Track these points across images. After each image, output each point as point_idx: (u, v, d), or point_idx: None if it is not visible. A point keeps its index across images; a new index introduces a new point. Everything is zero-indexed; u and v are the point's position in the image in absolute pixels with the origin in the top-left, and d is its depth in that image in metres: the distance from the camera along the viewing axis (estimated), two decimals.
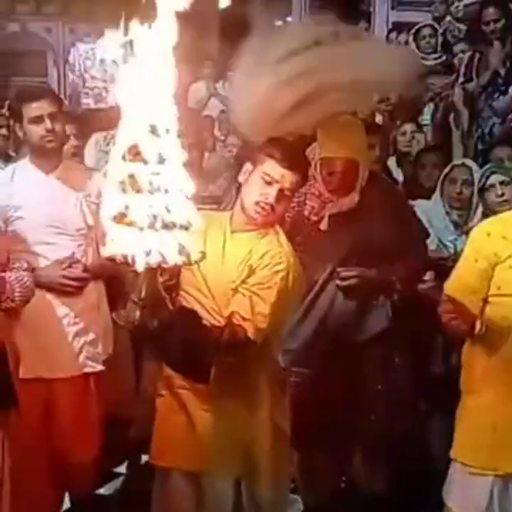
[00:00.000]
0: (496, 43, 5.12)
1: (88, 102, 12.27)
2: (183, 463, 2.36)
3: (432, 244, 3.47)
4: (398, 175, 4.55)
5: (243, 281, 2.30)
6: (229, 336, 2.20)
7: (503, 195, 3.34)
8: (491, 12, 5.09)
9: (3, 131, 4.04)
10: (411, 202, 3.59)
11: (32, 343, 2.86)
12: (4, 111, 5.02)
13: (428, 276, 3.44)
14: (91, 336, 3.08)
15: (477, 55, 5.34)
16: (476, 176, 3.47)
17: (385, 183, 3.26)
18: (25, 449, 2.76)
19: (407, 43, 5.99)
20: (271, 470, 2.39)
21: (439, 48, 5.80)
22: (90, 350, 3.07)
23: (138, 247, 1.63)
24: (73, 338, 3.04)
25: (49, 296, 2.99)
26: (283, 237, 2.42)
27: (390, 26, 7.17)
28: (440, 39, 5.83)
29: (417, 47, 5.79)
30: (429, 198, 3.68)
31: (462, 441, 2.53)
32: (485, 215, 3.25)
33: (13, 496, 2.62)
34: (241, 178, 2.40)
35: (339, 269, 3.07)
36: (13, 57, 11.94)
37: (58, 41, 12.30)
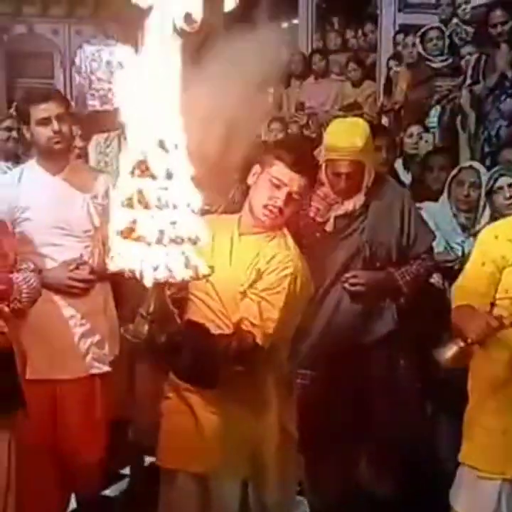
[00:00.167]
0: (503, 46, 5.12)
1: (94, 103, 12.29)
2: (190, 465, 2.35)
3: (439, 246, 3.47)
4: (405, 177, 4.54)
5: (251, 285, 2.29)
6: (237, 345, 2.18)
7: (511, 197, 3.34)
8: (498, 14, 5.09)
9: (14, 133, 4.04)
10: (418, 204, 3.58)
11: (39, 344, 2.86)
12: (12, 111, 5.03)
13: (435, 278, 3.44)
14: (97, 337, 3.08)
15: (484, 58, 5.35)
16: (484, 178, 3.46)
17: (391, 184, 3.26)
18: (31, 450, 2.76)
19: (414, 45, 5.98)
20: (277, 472, 2.39)
21: (446, 51, 5.78)
22: (97, 351, 3.08)
23: (146, 262, 1.63)
24: (80, 339, 3.04)
25: (56, 298, 3.00)
26: (290, 240, 2.41)
27: (397, 28, 7.15)
28: (447, 41, 5.81)
29: (424, 49, 5.79)
30: (436, 200, 3.68)
31: (470, 445, 2.52)
32: (493, 218, 3.25)
33: (20, 496, 2.63)
34: (249, 181, 2.39)
35: (347, 275, 3.07)
36: (19, 59, 11.96)
37: (65, 43, 12.31)
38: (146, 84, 1.64)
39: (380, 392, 3.11)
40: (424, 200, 3.73)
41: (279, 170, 2.30)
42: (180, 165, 1.67)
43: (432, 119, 5.46)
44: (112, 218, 1.69)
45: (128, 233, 1.64)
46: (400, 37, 6.70)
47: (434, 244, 3.36)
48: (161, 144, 1.65)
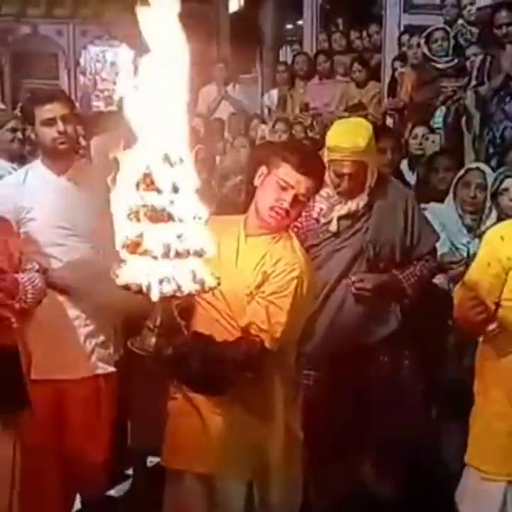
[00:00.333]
0: (509, 47, 5.11)
1: (99, 104, 12.32)
2: (196, 465, 2.35)
3: (444, 247, 3.46)
4: (410, 178, 4.54)
5: (257, 287, 2.28)
6: (245, 352, 2.18)
7: None
8: (503, 15, 5.08)
9: (19, 134, 4.05)
10: (424, 205, 3.58)
11: (44, 345, 2.85)
12: (17, 112, 5.03)
13: (441, 279, 3.44)
14: (102, 338, 3.08)
15: (489, 59, 5.34)
16: (490, 180, 3.46)
17: (395, 184, 3.26)
18: (36, 450, 2.76)
19: (418, 45, 5.97)
20: (283, 473, 2.39)
21: (451, 51, 5.78)
22: (101, 351, 3.08)
23: (152, 275, 1.63)
24: (85, 339, 3.05)
25: (61, 298, 3.00)
26: (296, 242, 2.40)
27: (402, 29, 7.14)
28: (452, 42, 5.80)
29: (429, 50, 5.78)
30: (441, 200, 3.67)
31: (476, 447, 2.51)
32: (500, 219, 3.24)
33: (25, 496, 2.63)
34: (256, 182, 2.38)
35: (354, 279, 3.07)
36: (24, 60, 11.99)
37: (69, 44, 12.34)
38: (152, 96, 1.63)
39: (384, 393, 3.11)
40: (429, 200, 3.73)
41: (286, 172, 2.29)
42: (186, 178, 1.66)
43: (437, 120, 5.46)
44: (116, 232, 1.68)
45: (134, 247, 1.63)
46: (405, 38, 6.69)
47: (439, 245, 3.36)
48: (166, 158, 1.64)
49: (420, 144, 4.88)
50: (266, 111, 7.57)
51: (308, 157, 2.38)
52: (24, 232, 2.98)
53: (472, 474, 2.50)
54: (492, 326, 2.42)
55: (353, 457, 3.23)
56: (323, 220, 3.11)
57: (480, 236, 3.28)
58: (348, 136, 2.98)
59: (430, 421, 3.51)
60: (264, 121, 6.84)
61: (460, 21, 6.25)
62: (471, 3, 6.21)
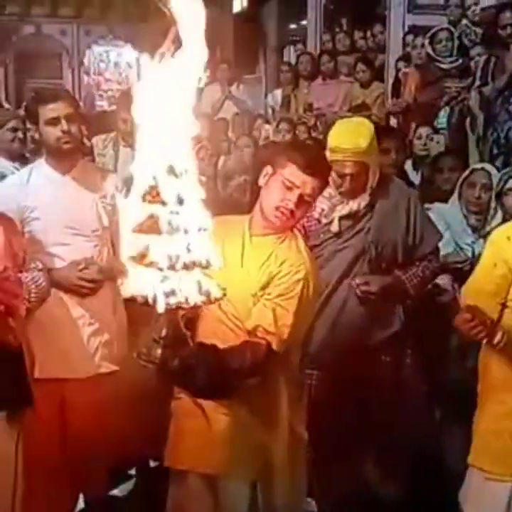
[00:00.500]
0: None
1: (102, 104, 12.34)
2: (200, 466, 2.34)
3: (449, 247, 3.46)
4: (414, 178, 4.53)
5: (263, 288, 2.27)
6: (250, 359, 2.17)
7: None
8: (507, 16, 5.07)
9: (20, 134, 4.05)
10: (428, 205, 3.57)
11: (47, 344, 2.86)
12: (20, 111, 5.03)
13: (445, 279, 3.43)
14: (106, 337, 3.08)
15: (493, 59, 5.34)
16: (495, 180, 3.45)
17: (397, 184, 3.25)
18: (40, 449, 2.76)
19: (423, 46, 5.96)
20: (287, 473, 2.38)
21: (455, 52, 5.76)
22: (105, 350, 3.08)
23: (158, 287, 1.63)
24: (88, 338, 3.05)
25: (65, 297, 3.00)
26: (301, 242, 2.39)
27: (406, 29, 7.14)
28: (456, 43, 5.79)
29: (434, 50, 5.77)
30: (446, 201, 3.67)
31: (480, 447, 2.50)
32: (505, 220, 3.24)
33: (28, 496, 2.63)
34: (260, 182, 2.38)
35: (358, 282, 3.07)
36: (28, 59, 12.01)
37: (73, 43, 12.36)
38: (158, 108, 1.63)
39: (386, 393, 3.10)
40: (434, 201, 3.72)
41: (292, 172, 2.28)
42: (191, 189, 1.66)
43: (441, 120, 5.45)
44: (122, 243, 1.68)
45: (140, 259, 1.64)
46: (409, 38, 6.69)
47: (443, 245, 3.35)
48: (171, 170, 1.64)
49: (425, 144, 4.87)
50: (270, 111, 7.58)
51: (314, 158, 2.37)
52: (28, 231, 2.98)
53: (476, 475, 2.49)
54: (498, 337, 2.39)
55: (355, 457, 3.22)
56: (324, 221, 3.11)
57: (485, 236, 3.28)
58: (349, 137, 2.98)
59: (433, 421, 3.50)
60: (267, 122, 6.85)
61: (464, 21, 6.24)
62: (475, 4, 6.20)
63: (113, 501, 3.45)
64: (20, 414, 2.58)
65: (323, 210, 3.09)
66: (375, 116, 6.24)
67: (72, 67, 12.42)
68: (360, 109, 6.30)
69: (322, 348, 3.04)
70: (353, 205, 3.08)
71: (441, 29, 5.87)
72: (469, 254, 3.45)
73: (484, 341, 2.50)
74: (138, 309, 1.67)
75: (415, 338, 3.34)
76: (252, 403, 2.29)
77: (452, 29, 5.94)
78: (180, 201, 1.63)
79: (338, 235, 3.11)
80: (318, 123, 6.58)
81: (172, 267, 1.61)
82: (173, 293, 1.63)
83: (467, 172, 3.59)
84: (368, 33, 7.67)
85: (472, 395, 2.59)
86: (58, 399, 2.99)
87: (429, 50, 5.80)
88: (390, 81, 7.04)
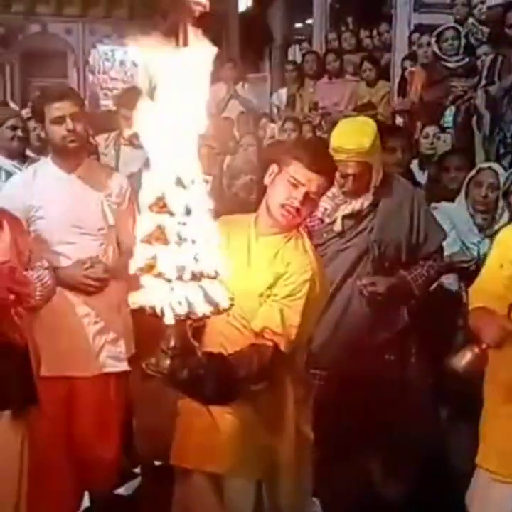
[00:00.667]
0: None
1: (107, 103, 12.32)
2: (206, 465, 2.34)
3: (455, 246, 3.45)
4: (421, 177, 4.52)
5: (269, 287, 2.27)
6: (258, 364, 2.16)
7: None
8: None
9: (19, 132, 4.06)
10: (435, 204, 3.56)
11: (53, 342, 2.86)
12: (17, 109, 5.03)
13: (450, 279, 3.43)
14: (112, 335, 3.09)
15: (500, 58, 5.32)
16: (502, 179, 3.43)
17: (401, 183, 3.25)
18: (46, 447, 2.77)
19: (429, 44, 5.94)
20: (292, 473, 2.38)
21: (461, 51, 5.75)
22: (111, 349, 3.08)
23: (166, 298, 1.63)
24: (94, 337, 3.05)
25: (70, 296, 3.00)
26: (307, 242, 2.39)
27: (412, 28, 7.12)
28: (463, 41, 5.77)
29: (440, 49, 5.75)
30: (452, 200, 3.66)
31: (487, 449, 2.49)
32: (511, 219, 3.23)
33: (34, 493, 2.63)
34: (266, 180, 2.37)
35: (365, 282, 3.06)
36: (33, 58, 12.01)
37: (78, 42, 12.35)
38: (166, 120, 1.62)
39: (391, 392, 3.10)
40: (440, 200, 3.72)
41: (297, 170, 2.28)
42: (198, 200, 1.66)
43: (448, 119, 5.43)
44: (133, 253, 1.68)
45: (148, 270, 1.63)
46: (416, 37, 6.67)
47: (450, 244, 3.35)
48: (179, 181, 1.64)
49: (431, 143, 4.86)
50: (275, 110, 7.57)
51: (319, 155, 2.37)
52: (34, 230, 2.98)
53: (483, 476, 2.48)
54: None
55: (360, 457, 3.22)
56: (327, 220, 3.11)
57: (491, 236, 3.27)
58: (352, 137, 2.97)
59: (438, 421, 3.49)
60: (273, 120, 6.83)
61: (471, 20, 6.21)
62: (482, 2, 6.17)
63: (118, 500, 3.45)
64: (26, 412, 2.59)
65: (326, 209, 3.09)
66: (381, 115, 6.24)
67: (77, 66, 12.41)
68: (365, 108, 6.28)
69: (326, 347, 3.04)
70: (356, 204, 3.08)
71: (448, 28, 5.85)
72: (475, 254, 3.45)
73: None
74: (146, 319, 1.67)
75: (420, 337, 3.33)
76: (258, 403, 2.29)
77: (459, 28, 5.92)
78: (188, 212, 1.63)
79: (341, 234, 3.11)
80: (323, 122, 6.57)
81: (180, 278, 1.61)
82: (181, 304, 1.62)
83: (474, 171, 3.58)
84: (374, 32, 7.66)
85: (478, 395, 2.58)
86: (64, 397, 3.00)
87: (436, 48, 5.78)
88: (396, 80, 7.02)
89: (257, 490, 2.36)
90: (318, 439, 2.51)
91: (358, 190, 3.05)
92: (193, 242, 1.63)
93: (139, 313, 1.67)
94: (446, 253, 3.35)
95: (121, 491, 3.55)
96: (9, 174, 3.72)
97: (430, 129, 4.94)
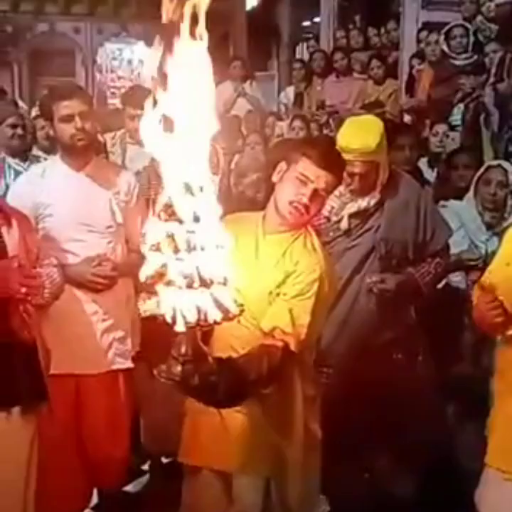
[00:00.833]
0: None
1: (115, 101, 12.35)
2: (214, 462, 2.34)
3: (463, 244, 3.45)
4: (430, 175, 4.51)
5: (278, 286, 2.27)
6: (268, 366, 2.14)
7: None
8: None
9: (19, 130, 4.06)
10: (443, 202, 3.56)
11: (61, 339, 2.87)
12: (18, 109, 5.03)
13: (458, 277, 3.42)
14: (120, 333, 3.10)
15: (509, 56, 5.30)
16: (511, 177, 3.43)
17: (407, 181, 3.24)
18: (55, 444, 2.78)
19: (437, 42, 5.93)
20: (301, 471, 2.37)
21: (470, 48, 5.73)
22: (119, 346, 3.09)
23: (177, 306, 1.63)
24: (102, 334, 3.06)
25: (79, 293, 3.01)
26: (316, 240, 2.38)
27: (420, 26, 7.11)
28: (471, 39, 5.76)
29: (448, 46, 5.74)
30: (461, 198, 3.65)
31: (496, 447, 2.47)
32: None
33: (43, 491, 2.64)
34: (274, 178, 2.37)
35: (375, 279, 3.06)
36: (41, 57, 12.05)
37: (86, 41, 12.39)
38: (175, 125, 1.61)
39: (398, 390, 3.09)
40: (449, 198, 3.71)
41: (306, 166, 2.27)
42: (207, 207, 1.65)
43: (456, 117, 5.42)
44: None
45: (158, 278, 1.63)
46: (424, 34, 6.66)
47: (458, 242, 3.35)
48: (187, 188, 1.63)
49: (441, 141, 4.85)
50: (282, 108, 7.56)
51: (328, 152, 2.36)
52: (42, 228, 2.99)
53: (493, 475, 2.46)
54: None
55: (368, 455, 3.22)
56: (334, 218, 3.11)
57: (499, 234, 3.26)
58: (358, 137, 2.97)
59: (446, 419, 3.49)
60: (280, 119, 6.83)
61: (479, 18, 6.19)
62: (490, 0, 6.16)
63: (126, 497, 3.46)
64: (35, 410, 2.59)
65: (333, 207, 3.09)
66: (389, 113, 6.22)
67: (85, 64, 12.45)
68: (373, 107, 6.26)
69: (333, 345, 3.04)
70: (363, 202, 3.08)
71: (456, 25, 5.84)
72: (483, 252, 3.44)
73: (499, 338, 2.48)
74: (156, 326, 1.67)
75: (427, 335, 3.33)
76: (267, 401, 2.28)
77: (467, 25, 5.90)
78: (197, 219, 1.62)
79: (347, 232, 3.11)
80: (330, 120, 6.56)
81: (190, 286, 1.61)
82: (191, 311, 1.62)
83: (483, 169, 3.57)
84: (382, 30, 7.65)
85: (486, 393, 2.57)
86: (73, 394, 3.01)
87: (444, 46, 5.77)
88: (404, 78, 7.01)
89: (266, 487, 2.36)
90: (325, 436, 2.51)
91: (364, 189, 3.05)
92: (203, 249, 1.63)
93: (149, 320, 1.67)
94: (454, 251, 3.35)
95: (129, 488, 3.56)
96: (17, 173, 3.73)
97: (440, 127, 4.93)
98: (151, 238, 1.64)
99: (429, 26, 6.80)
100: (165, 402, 2.82)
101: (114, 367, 3.07)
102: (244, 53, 9.39)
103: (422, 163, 4.57)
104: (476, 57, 5.74)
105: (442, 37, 5.79)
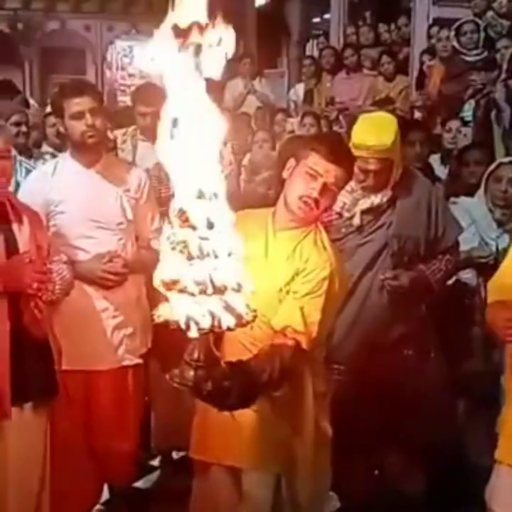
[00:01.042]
0: None
1: (125, 99, 12.37)
2: (225, 459, 2.34)
3: (473, 241, 3.44)
4: (441, 172, 4.50)
5: (288, 284, 2.26)
6: (280, 367, 2.13)
7: None
8: None
9: (23, 128, 4.07)
10: (454, 198, 3.54)
11: (72, 336, 2.87)
12: (23, 107, 5.03)
13: (469, 274, 3.41)
14: (130, 330, 3.10)
15: None
16: None
17: (419, 178, 3.23)
18: (66, 441, 2.79)
19: (448, 38, 5.90)
20: (311, 468, 2.37)
21: (481, 44, 5.71)
22: (129, 343, 3.10)
23: (190, 312, 1.62)
24: (112, 331, 3.06)
25: (89, 290, 3.02)
26: (325, 237, 2.37)
27: (431, 22, 7.08)
28: (482, 35, 5.73)
29: (459, 42, 5.71)
30: (472, 194, 3.63)
31: (508, 444, 2.46)
32: None
33: (55, 485, 2.66)
34: (284, 174, 2.37)
35: (388, 275, 3.06)
36: (52, 55, 12.10)
37: (97, 39, 12.44)
38: (187, 132, 1.61)
39: (409, 387, 3.08)
40: (460, 194, 3.69)
41: (315, 161, 2.26)
42: (220, 213, 1.65)
43: (467, 114, 5.40)
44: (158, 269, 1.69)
45: (172, 285, 1.63)
46: (434, 30, 6.63)
47: (468, 239, 3.33)
48: (201, 194, 1.63)
49: (454, 137, 4.83)
50: (292, 105, 7.55)
51: (336, 146, 2.36)
52: (53, 224, 3.00)
53: (505, 472, 2.44)
54: None
55: (378, 452, 3.21)
56: (346, 214, 3.10)
57: (510, 231, 3.25)
58: (373, 134, 2.95)
59: (457, 415, 3.48)
60: (290, 116, 6.82)
61: (490, 13, 6.16)
62: None
63: (137, 493, 3.47)
64: (47, 405, 2.61)
65: (345, 203, 3.08)
66: (400, 109, 6.20)
67: (95, 62, 12.50)
68: (383, 103, 6.25)
69: (344, 341, 3.03)
70: (375, 199, 3.07)
71: (467, 21, 5.81)
72: (494, 249, 3.43)
73: None
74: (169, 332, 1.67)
75: (438, 332, 3.32)
76: (278, 397, 2.27)
77: (478, 21, 5.87)
78: (210, 225, 1.62)
79: (359, 229, 3.10)
80: (340, 117, 6.55)
81: (203, 292, 1.61)
82: (205, 317, 1.62)
83: (494, 166, 3.55)
84: (393, 26, 7.62)
85: (497, 390, 2.56)
86: (83, 390, 3.02)
87: (455, 42, 5.75)
88: (415, 74, 6.98)
89: (276, 484, 2.35)
90: (336, 433, 2.51)
91: (377, 186, 3.04)
92: (216, 255, 1.63)
93: (163, 326, 1.67)
94: (465, 248, 3.33)
95: (139, 484, 3.57)
96: (28, 170, 3.74)
97: (453, 124, 4.91)
98: (165, 244, 1.64)
99: (439, 22, 6.77)
100: (176, 398, 2.83)
101: (124, 363, 3.08)
102: (254, 50, 9.39)
103: (434, 160, 4.55)
104: (487, 53, 5.71)
105: (453, 33, 5.76)
